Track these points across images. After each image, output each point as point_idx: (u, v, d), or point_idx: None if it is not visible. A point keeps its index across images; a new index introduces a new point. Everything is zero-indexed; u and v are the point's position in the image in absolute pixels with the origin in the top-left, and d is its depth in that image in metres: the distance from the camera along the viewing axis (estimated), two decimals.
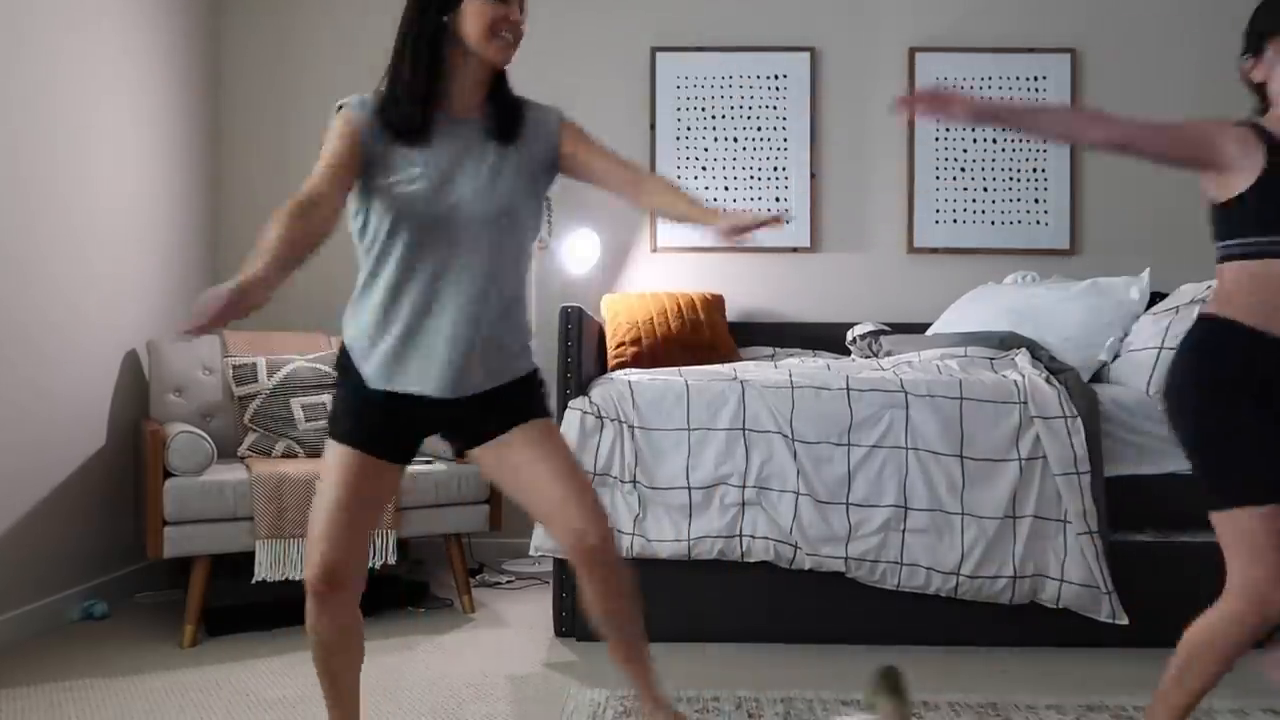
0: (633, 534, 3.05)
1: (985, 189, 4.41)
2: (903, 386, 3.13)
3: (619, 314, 3.96)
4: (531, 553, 3.10)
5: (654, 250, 4.44)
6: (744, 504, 3.06)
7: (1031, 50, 4.38)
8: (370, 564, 3.20)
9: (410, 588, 3.66)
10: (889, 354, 3.76)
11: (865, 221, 4.44)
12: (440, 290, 1.86)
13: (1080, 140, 1.92)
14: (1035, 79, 4.38)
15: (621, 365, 3.80)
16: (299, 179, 1.90)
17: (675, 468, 3.08)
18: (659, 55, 4.43)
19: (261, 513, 3.13)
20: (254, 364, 3.62)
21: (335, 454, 1.91)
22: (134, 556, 3.71)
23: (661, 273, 4.43)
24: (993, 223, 4.41)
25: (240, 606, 3.41)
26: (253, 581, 3.13)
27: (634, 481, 3.09)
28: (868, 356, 3.87)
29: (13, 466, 3.13)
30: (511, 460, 1.93)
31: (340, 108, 1.87)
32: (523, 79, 2.05)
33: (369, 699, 2.58)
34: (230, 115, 4.42)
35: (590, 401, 3.14)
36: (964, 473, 3.05)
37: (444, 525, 3.45)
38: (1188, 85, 4.35)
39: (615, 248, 4.42)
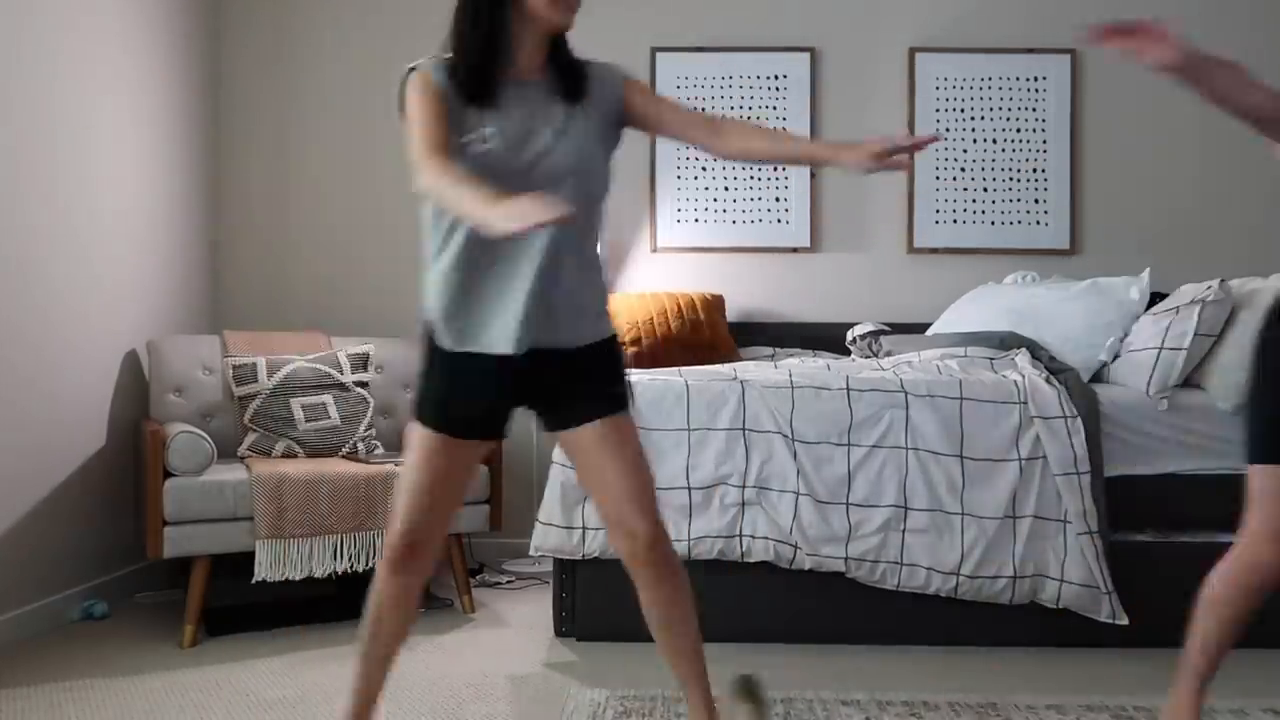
0: None
1: (985, 189, 4.41)
2: (903, 386, 3.13)
3: (619, 314, 3.96)
4: (531, 553, 3.10)
5: (654, 250, 4.44)
6: (744, 504, 3.06)
7: (1031, 50, 4.38)
8: (370, 563, 3.21)
9: None
10: (889, 354, 3.76)
11: (865, 221, 4.44)
12: (516, 251, 1.85)
13: (1241, 102, 1.80)
14: (1035, 79, 4.38)
15: None
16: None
17: (675, 468, 3.08)
18: (659, 55, 4.43)
19: (261, 513, 3.13)
20: (254, 364, 3.62)
21: (419, 437, 1.93)
22: (134, 556, 3.71)
23: (661, 273, 4.43)
24: (993, 223, 4.41)
25: (240, 607, 3.42)
26: (253, 582, 3.12)
27: None
28: (868, 356, 3.87)
29: (13, 467, 3.13)
30: (584, 452, 1.95)
31: (411, 70, 1.87)
32: None
33: None
34: (230, 115, 4.42)
35: None
36: (964, 473, 3.05)
37: None
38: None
39: (615, 247, 4.42)
